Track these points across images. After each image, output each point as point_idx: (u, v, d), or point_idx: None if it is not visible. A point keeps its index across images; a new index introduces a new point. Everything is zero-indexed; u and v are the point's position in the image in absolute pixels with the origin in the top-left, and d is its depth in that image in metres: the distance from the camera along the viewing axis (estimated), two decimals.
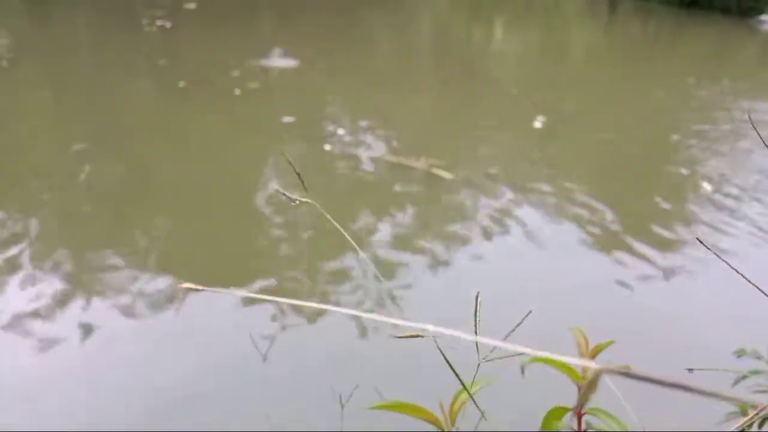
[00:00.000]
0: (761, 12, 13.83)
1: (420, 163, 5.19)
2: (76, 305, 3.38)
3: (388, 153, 5.43)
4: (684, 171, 5.59)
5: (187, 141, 5.95)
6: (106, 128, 6.11)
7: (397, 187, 4.98)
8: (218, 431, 2.72)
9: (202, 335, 3.21)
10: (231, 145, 5.82)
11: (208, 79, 7.58)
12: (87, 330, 3.19)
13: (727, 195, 5.05)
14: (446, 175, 5.05)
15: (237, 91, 7.13)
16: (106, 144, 5.77)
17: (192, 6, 12.27)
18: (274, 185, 3.79)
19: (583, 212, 4.64)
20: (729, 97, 8.25)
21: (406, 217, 4.53)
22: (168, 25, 10.37)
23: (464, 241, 4.21)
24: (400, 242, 4.15)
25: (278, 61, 8.48)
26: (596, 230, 4.41)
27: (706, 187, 5.15)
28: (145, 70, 8.08)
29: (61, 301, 3.44)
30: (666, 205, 4.87)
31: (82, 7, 12.65)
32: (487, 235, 4.28)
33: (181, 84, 7.34)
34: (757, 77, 9.79)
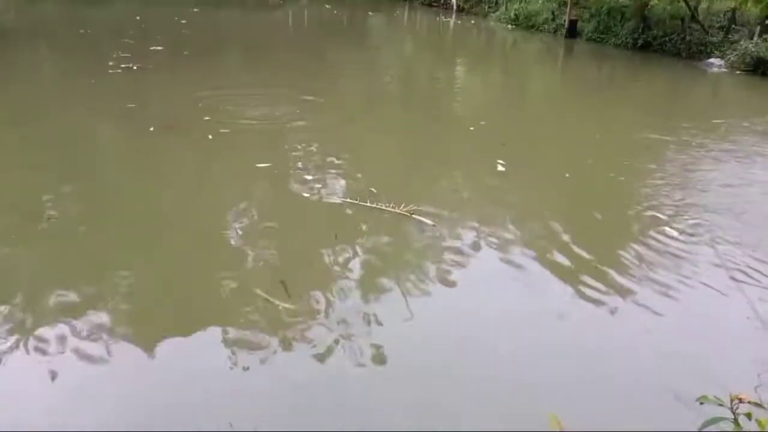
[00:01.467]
0: (709, 55, 14.57)
1: (401, 209, 5.19)
2: (37, 348, 3.36)
3: (368, 198, 5.42)
4: (642, 212, 5.71)
5: (158, 186, 5.83)
6: (73, 173, 5.96)
7: (379, 234, 4.96)
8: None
9: (173, 383, 3.13)
10: (204, 191, 5.72)
11: (178, 123, 7.49)
12: (50, 374, 3.18)
13: (687, 237, 5.20)
14: (427, 221, 5.07)
15: (209, 136, 7.05)
16: (73, 188, 5.62)
17: (159, 48, 12.19)
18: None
19: (553, 255, 4.71)
20: (683, 135, 8.61)
21: (388, 265, 4.50)
22: (135, 67, 10.26)
23: (452, 285, 4.21)
24: (386, 291, 4.12)
25: (250, 106, 8.46)
26: (560, 271, 4.48)
27: (670, 232, 5.26)
28: (113, 115, 7.93)
29: (21, 343, 3.40)
30: (626, 247, 4.97)
31: (45, 49, 12.44)
32: (467, 282, 4.29)
33: (151, 128, 7.22)
34: (706, 116, 10.20)
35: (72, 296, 3.88)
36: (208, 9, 20.99)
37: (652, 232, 5.20)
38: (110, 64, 10.39)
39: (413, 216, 5.15)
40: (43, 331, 3.52)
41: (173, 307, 3.89)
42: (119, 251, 4.48)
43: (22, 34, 14.32)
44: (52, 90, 9.52)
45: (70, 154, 6.45)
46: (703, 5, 15.16)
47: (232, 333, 3.58)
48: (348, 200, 5.45)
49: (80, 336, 3.49)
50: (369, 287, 4.16)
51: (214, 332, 3.59)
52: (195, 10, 19.84)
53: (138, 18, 17.36)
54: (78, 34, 14.17)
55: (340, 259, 4.49)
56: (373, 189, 5.71)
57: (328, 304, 3.90)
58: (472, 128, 8.33)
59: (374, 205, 5.31)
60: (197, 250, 4.60)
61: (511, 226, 5.25)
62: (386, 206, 5.27)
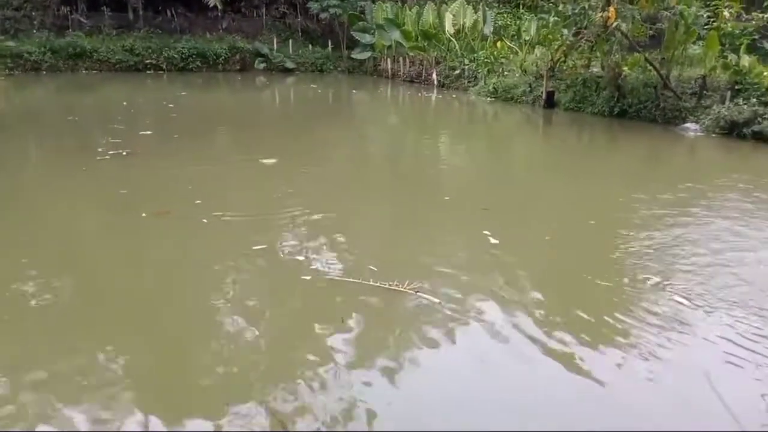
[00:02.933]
0: (684, 120, 15.07)
1: (404, 287, 5.10)
2: None
3: (370, 278, 5.34)
4: (631, 279, 5.67)
5: (150, 272, 5.71)
6: (62, 261, 5.83)
7: (386, 315, 4.85)
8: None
9: None
10: (198, 275, 5.61)
11: (171, 208, 7.43)
12: None
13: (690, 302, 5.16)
14: (433, 298, 4.97)
15: (204, 220, 6.99)
16: (62, 276, 5.48)
17: (148, 132, 12.31)
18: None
19: (550, 330, 4.62)
20: (665, 195, 8.72)
21: (400, 346, 4.37)
22: (125, 152, 10.30)
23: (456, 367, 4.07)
24: (403, 373, 3.98)
25: (242, 187, 8.47)
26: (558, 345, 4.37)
27: (680, 300, 5.21)
28: (104, 202, 7.86)
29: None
30: (627, 315, 4.90)
31: (35, 137, 12.49)
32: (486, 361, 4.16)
33: (144, 214, 7.14)
34: (686, 178, 10.38)
35: (54, 374, 3.71)
36: (196, 92, 21.49)
37: (663, 299, 5.15)
38: (99, 150, 10.43)
39: (418, 293, 5.05)
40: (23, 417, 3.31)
41: (155, 401, 3.69)
42: (108, 339, 4.30)
43: (11, 122, 14.43)
44: (41, 178, 9.46)
45: (60, 242, 6.33)
46: (674, 73, 15.81)
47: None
48: (350, 280, 5.35)
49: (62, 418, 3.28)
50: (388, 375, 4.00)
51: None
52: (183, 93, 20.28)
53: (125, 103, 17.64)
54: (66, 121, 14.32)
55: (351, 346, 4.35)
56: (372, 267, 5.63)
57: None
58: (447, 198, 8.47)
59: (377, 284, 5.22)
60: (192, 338, 4.44)
61: (518, 299, 5.16)
62: (390, 285, 5.17)
